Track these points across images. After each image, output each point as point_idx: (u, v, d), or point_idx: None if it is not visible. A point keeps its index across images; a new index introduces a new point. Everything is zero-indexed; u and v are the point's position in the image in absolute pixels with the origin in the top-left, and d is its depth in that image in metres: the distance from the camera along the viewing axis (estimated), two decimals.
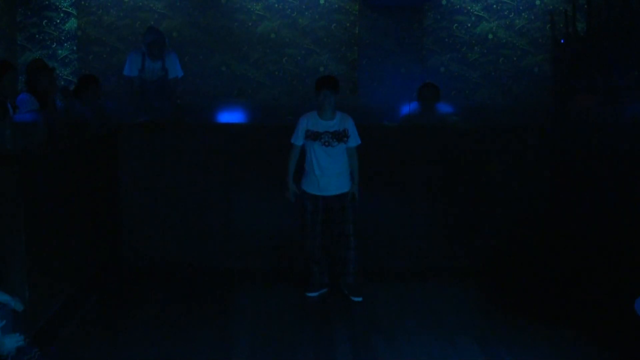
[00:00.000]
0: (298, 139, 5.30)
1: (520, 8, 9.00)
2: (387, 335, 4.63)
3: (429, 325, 4.78)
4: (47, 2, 8.83)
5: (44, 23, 8.86)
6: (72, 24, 8.88)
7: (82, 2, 8.88)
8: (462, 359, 4.31)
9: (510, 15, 9.00)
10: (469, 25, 8.99)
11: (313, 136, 5.23)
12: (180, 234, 6.05)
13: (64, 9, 8.87)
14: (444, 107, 6.84)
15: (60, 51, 8.89)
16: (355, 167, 5.33)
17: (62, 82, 8.65)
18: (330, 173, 5.24)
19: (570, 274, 5.68)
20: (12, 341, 3.50)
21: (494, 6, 8.99)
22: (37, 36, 8.86)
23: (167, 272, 5.84)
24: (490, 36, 9.01)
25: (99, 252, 5.52)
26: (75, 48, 8.90)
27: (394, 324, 4.81)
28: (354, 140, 5.29)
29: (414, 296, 5.39)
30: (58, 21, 8.87)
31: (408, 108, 6.88)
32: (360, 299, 5.27)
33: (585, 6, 8.50)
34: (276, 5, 8.95)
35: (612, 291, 4.92)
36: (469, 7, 8.98)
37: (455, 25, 8.99)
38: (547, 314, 4.99)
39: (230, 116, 8.10)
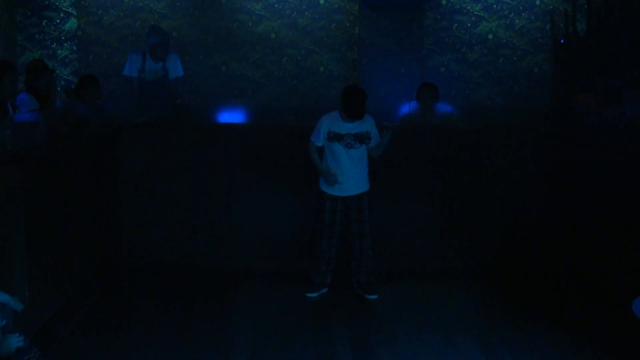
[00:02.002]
0: (318, 139, 5.25)
1: (520, 8, 8.99)
2: (387, 335, 4.63)
3: (429, 325, 4.78)
4: (47, 2, 8.83)
5: (44, 23, 8.86)
6: (72, 24, 8.89)
7: (82, 2, 8.87)
8: (462, 359, 4.31)
9: (510, 15, 9.00)
10: (469, 25, 8.99)
11: (335, 138, 5.20)
12: (180, 234, 6.05)
13: (64, 9, 8.87)
14: (444, 107, 6.84)
15: (60, 51, 8.89)
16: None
17: (62, 82, 8.66)
18: (350, 174, 5.22)
19: (570, 274, 5.68)
20: (12, 341, 3.50)
21: (494, 6, 8.99)
22: (37, 36, 8.86)
23: (167, 272, 5.84)
24: (490, 36, 9.01)
25: (99, 252, 5.52)
26: (75, 48, 8.90)
27: (394, 324, 4.81)
28: (376, 140, 5.28)
29: (414, 296, 5.39)
30: (58, 21, 8.87)
31: (408, 108, 6.88)
32: (375, 296, 5.28)
33: (585, 6, 8.50)
34: (276, 5, 8.95)
35: (612, 291, 4.92)
36: (469, 7, 8.98)
37: (455, 25, 8.99)
38: (547, 314, 4.99)
39: (230, 116, 8.10)
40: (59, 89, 8.09)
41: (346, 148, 5.17)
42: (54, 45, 8.88)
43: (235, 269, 5.93)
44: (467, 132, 6.21)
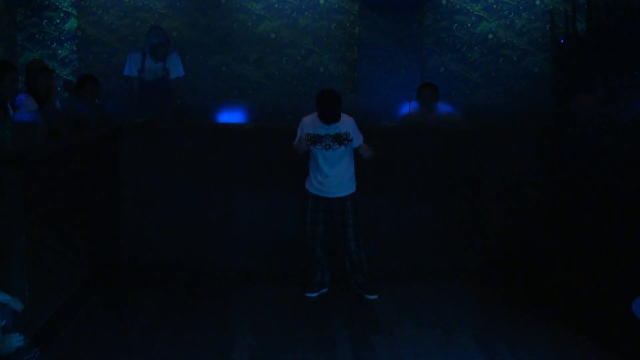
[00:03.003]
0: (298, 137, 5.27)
1: (520, 8, 9.00)
2: (387, 335, 4.63)
3: (429, 325, 4.78)
4: (47, 2, 8.84)
5: (44, 23, 8.87)
6: (72, 24, 8.89)
7: (82, 2, 8.88)
8: (462, 358, 4.31)
9: (510, 15, 9.01)
10: (469, 25, 9.00)
11: (313, 140, 5.18)
12: (180, 234, 6.05)
13: (64, 9, 8.87)
14: (444, 107, 6.84)
15: (60, 51, 8.90)
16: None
17: (62, 82, 8.66)
18: (332, 175, 5.22)
19: (570, 273, 5.68)
20: (12, 341, 3.50)
21: (494, 6, 9.00)
22: (37, 36, 8.86)
23: (167, 272, 5.84)
24: (490, 36, 9.02)
25: (99, 252, 5.52)
26: (75, 48, 8.91)
27: (394, 324, 4.81)
28: (357, 141, 5.24)
29: (414, 296, 5.39)
30: (58, 21, 8.88)
31: (408, 108, 6.88)
32: (375, 296, 5.28)
33: (585, 6, 8.51)
34: (276, 5, 8.95)
35: (612, 291, 4.92)
36: (469, 7, 8.98)
37: (455, 25, 8.99)
38: (547, 314, 4.99)
39: (230, 116, 8.10)
40: (58, 88, 8.09)
41: (325, 149, 5.16)
42: (54, 45, 8.88)
43: (235, 269, 5.93)
44: (467, 132, 6.21)
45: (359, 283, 5.35)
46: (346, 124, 5.19)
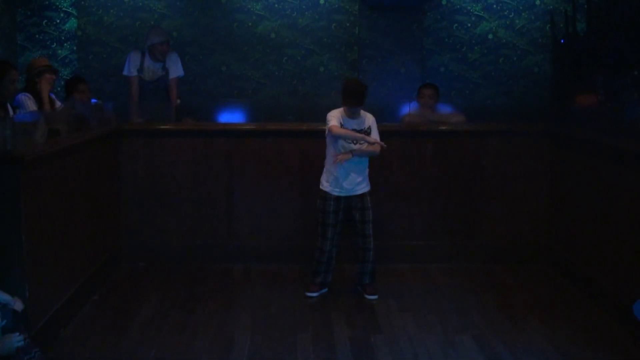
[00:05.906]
0: (335, 122, 5.16)
1: (520, 8, 9.00)
2: (387, 335, 4.63)
3: (429, 325, 4.78)
4: (47, 2, 8.84)
5: (44, 23, 8.87)
6: (72, 24, 8.89)
7: (82, 2, 8.88)
8: (462, 358, 4.31)
9: (510, 15, 9.01)
10: (469, 25, 9.00)
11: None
12: (180, 234, 6.05)
13: (64, 9, 8.87)
14: (444, 107, 6.84)
15: (60, 51, 8.90)
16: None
17: (62, 82, 8.66)
18: (353, 170, 5.21)
19: (570, 273, 5.68)
20: (12, 341, 3.50)
21: (494, 6, 9.00)
22: (37, 36, 8.86)
23: (167, 272, 5.85)
24: (490, 36, 9.02)
25: (99, 251, 5.53)
26: (75, 48, 8.91)
27: (394, 324, 4.81)
28: (374, 135, 5.27)
29: (414, 296, 5.39)
30: (58, 21, 8.88)
31: (408, 108, 6.89)
32: (375, 297, 5.29)
33: (585, 6, 8.51)
34: (276, 5, 8.95)
35: (612, 291, 4.92)
36: (469, 7, 8.98)
37: (455, 25, 8.99)
38: (547, 314, 4.99)
39: (230, 116, 8.10)
40: (58, 88, 8.09)
41: (352, 143, 5.16)
42: (54, 45, 8.89)
43: (236, 269, 5.93)
44: (467, 132, 6.21)
45: (363, 283, 5.36)
46: (368, 119, 5.26)
